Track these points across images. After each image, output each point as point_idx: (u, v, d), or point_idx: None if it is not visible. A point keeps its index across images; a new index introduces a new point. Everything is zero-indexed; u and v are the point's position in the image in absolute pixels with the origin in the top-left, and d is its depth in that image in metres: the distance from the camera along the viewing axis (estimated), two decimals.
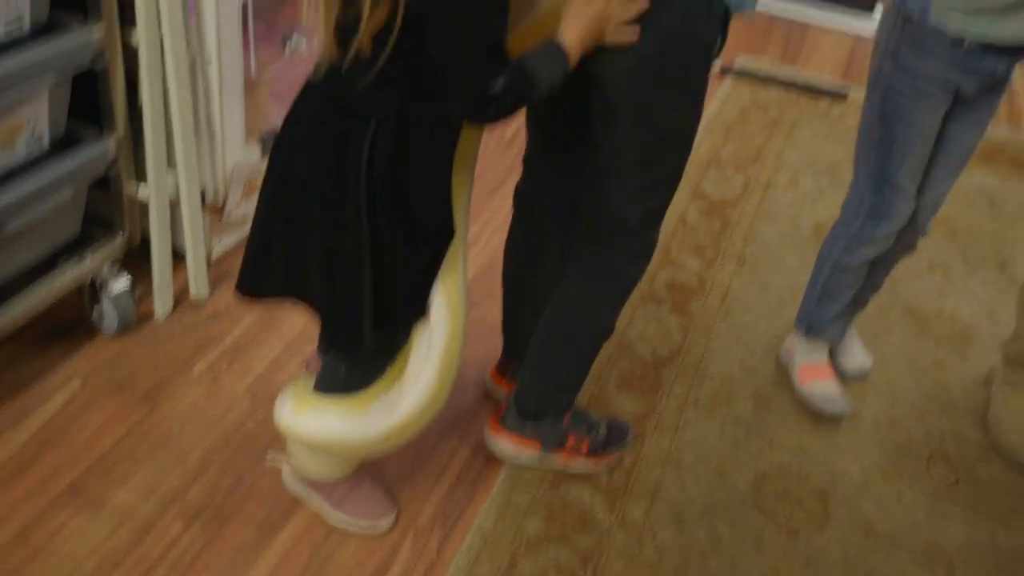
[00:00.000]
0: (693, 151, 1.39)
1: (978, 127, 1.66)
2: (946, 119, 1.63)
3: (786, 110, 3.04)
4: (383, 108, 1.14)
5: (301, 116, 1.23)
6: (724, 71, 3.16)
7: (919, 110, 1.59)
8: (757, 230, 2.44)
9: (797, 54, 3.47)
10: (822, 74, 3.31)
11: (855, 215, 1.76)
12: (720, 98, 3.03)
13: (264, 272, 1.31)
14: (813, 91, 3.13)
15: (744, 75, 3.17)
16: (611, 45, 1.22)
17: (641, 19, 1.20)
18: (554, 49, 1.19)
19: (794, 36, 3.61)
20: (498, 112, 1.15)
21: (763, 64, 3.25)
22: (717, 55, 1.28)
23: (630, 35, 1.21)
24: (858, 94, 3.13)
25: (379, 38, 1.07)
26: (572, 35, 1.19)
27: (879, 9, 3.67)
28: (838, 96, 3.12)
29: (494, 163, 2.54)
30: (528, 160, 1.58)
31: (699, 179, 2.61)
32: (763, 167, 2.71)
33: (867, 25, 3.64)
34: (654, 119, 1.29)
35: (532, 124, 1.51)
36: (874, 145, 1.67)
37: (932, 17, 1.51)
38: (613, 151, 1.34)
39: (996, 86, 1.61)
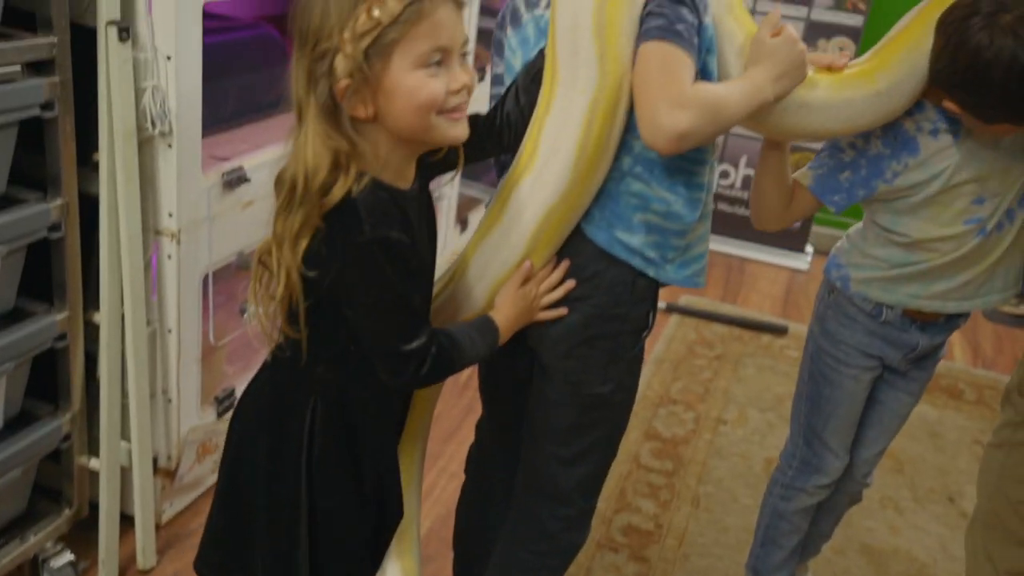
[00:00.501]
0: (644, 389, 1.43)
1: (911, 396, 1.67)
2: (879, 383, 1.65)
3: (730, 345, 3.17)
4: (321, 383, 1.19)
5: (254, 397, 1.28)
6: (669, 308, 3.31)
7: (843, 376, 1.62)
8: (710, 468, 2.47)
9: (737, 290, 3.67)
10: (762, 309, 3.48)
11: (789, 464, 1.79)
12: (666, 336, 3.16)
13: (216, 551, 1.31)
14: (754, 327, 3.28)
15: (688, 313, 3.32)
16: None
17: (569, 297, 1.30)
18: (486, 322, 1.27)
19: (733, 271, 3.82)
20: (418, 371, 1.15)
21: (704, 303, 3.42)
22: (648, 333, 1.37)
23: (558, 314, 1.30)
24: (797, 327, 3.28)
25: (295, 321, 1.13)
26: (503, 315, 1.28)
27: (809, 250, 3.93)
28: (779, 331, 3.26)
29: (450, 406, 2.58)
30: (479, 426, 1.63)
31: (651, 417, 2.66)
32: (712, 403, 2.79)
33: (801, 261, 3.88)
34: (584, 387, 1.35)
35: (481, 390, 1.58)
36: (804, 400, 1.71)
37: (852, 287, 1.55)
38: (546, 413, 1.39)
39: (923, 359, 1.62)
